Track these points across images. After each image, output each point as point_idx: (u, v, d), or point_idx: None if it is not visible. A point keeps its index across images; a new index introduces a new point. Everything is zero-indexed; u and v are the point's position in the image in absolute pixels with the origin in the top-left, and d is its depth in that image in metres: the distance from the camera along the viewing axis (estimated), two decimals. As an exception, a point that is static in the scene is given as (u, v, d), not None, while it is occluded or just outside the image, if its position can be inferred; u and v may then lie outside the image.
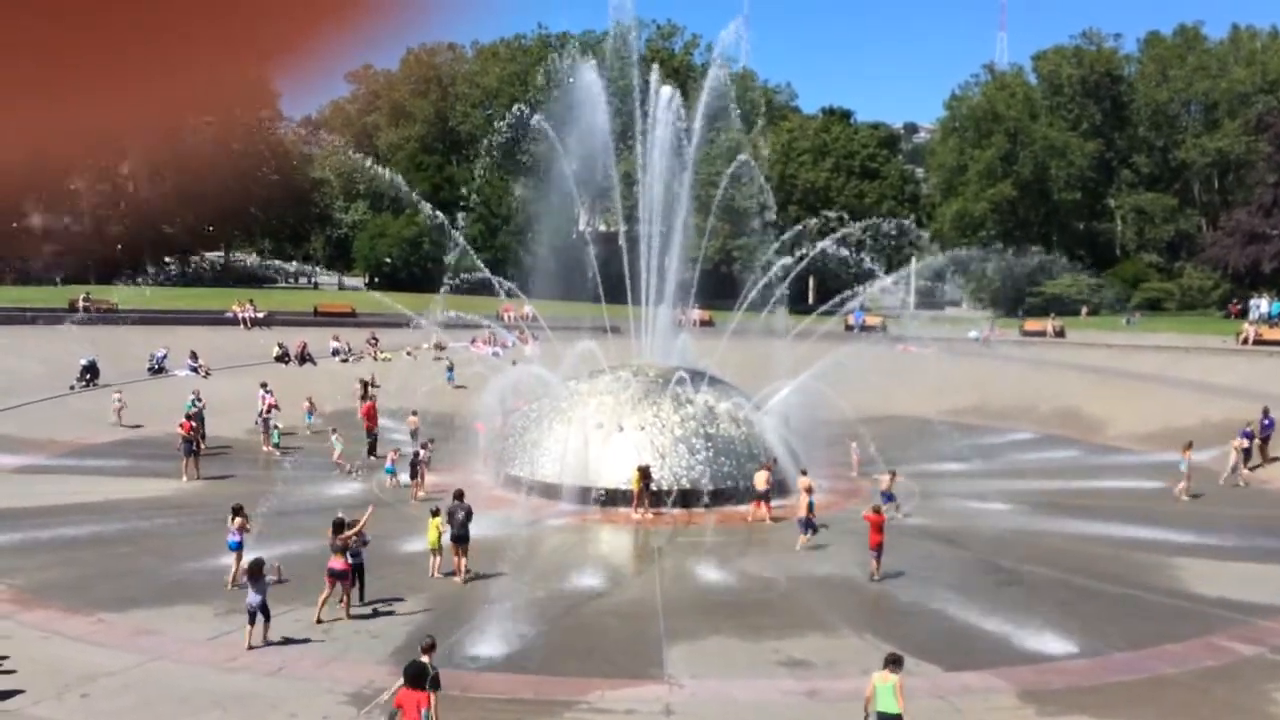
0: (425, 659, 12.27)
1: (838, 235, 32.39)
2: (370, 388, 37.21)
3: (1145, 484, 29.03)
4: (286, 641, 15.88)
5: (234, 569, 18.53)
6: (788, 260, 32.27)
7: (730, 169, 36.03)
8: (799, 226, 32.39)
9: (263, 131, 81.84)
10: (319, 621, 16.67)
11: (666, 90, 31.93)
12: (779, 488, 26.17)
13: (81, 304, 49.23)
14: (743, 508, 25.19)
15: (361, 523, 17.95)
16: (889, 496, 24.06)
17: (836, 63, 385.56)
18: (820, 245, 32.60)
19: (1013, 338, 55.97)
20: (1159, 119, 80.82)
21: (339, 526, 17.58)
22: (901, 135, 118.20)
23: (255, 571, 15.75)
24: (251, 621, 15.64)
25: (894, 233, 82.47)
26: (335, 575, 17.08)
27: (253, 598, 15.58)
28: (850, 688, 14.51)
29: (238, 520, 18.88)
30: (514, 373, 34.44)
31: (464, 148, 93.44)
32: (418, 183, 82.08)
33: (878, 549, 19.62)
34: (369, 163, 60.25)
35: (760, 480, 24.53)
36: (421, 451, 27.71)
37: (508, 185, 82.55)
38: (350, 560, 17.40)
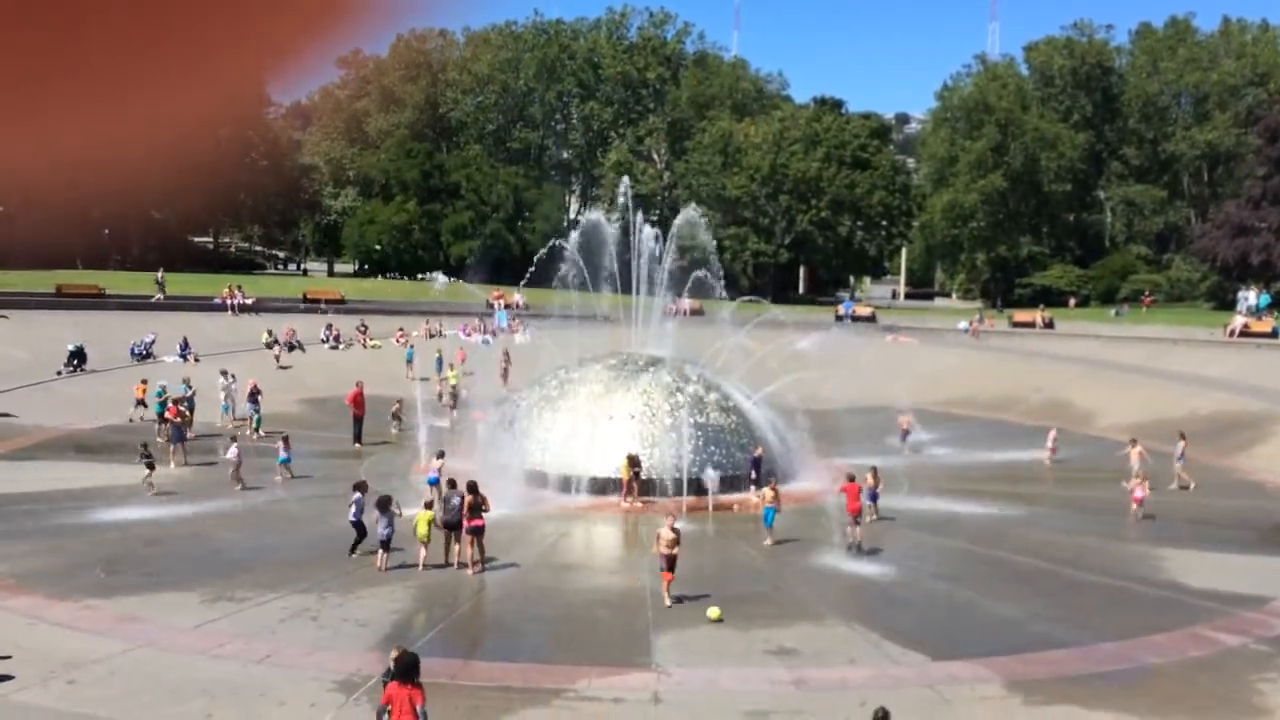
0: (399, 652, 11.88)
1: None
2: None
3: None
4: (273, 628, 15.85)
5: (382, 555, 18.76)
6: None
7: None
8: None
9: (251, 117, 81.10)
10: (474, 570, 18.66)
11: (649, 231, 33.19)
12: (769, 476, 26.19)
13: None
14: (735, 495, 25.24)
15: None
16: (874, 495, 24.04)
17: (828, 52, 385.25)
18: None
19: (1002, 329, 56.08)
20: (1149, 111, 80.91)
21: (474, 488, 19.03)
22: (893, 125, 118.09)
23: (384, 505, 18.50)
24: (384, 549, 18.46)
25: (884, 222, 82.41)
26: (472, 532, 18.71)
27: (383, 530, 18.34)
28: (837, 676, 14.57)
29: (388, 511, 18.92)
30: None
31: (454, 134, 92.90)
32: (407, 169, 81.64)
33: (856, 515, 20.26)
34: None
35: (623, 470, 24.66)
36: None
37: (498, 173, 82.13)
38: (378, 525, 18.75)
